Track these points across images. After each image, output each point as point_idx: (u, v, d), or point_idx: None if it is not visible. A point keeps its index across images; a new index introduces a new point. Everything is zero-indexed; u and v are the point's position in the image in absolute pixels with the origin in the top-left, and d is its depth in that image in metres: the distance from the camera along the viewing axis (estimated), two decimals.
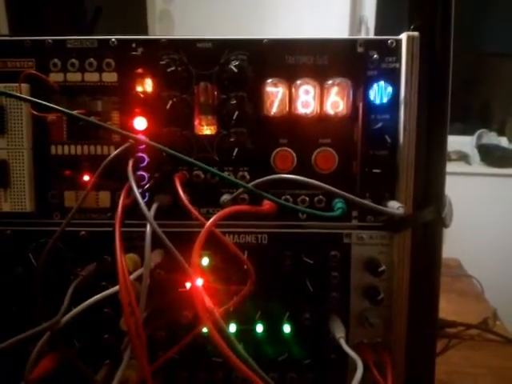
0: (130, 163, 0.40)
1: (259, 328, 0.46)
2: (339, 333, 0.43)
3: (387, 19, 1.98)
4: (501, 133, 2.41)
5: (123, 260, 0.35)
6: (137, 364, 0.44)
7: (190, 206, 0.38)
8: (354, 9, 2.05)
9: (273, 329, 0.46)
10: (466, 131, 2.37)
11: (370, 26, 2.01)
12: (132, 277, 0.39)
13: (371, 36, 0.38)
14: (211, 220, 0.37)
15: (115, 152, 0.41)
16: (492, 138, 2.39)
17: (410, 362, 0.46)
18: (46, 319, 0.38)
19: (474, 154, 2.28)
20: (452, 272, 1.18)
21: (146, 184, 0.44)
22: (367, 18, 2.03)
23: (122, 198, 0.39)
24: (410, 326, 0.45)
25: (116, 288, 0.37)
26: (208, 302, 0.33)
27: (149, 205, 0.41)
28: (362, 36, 0.43)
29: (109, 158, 0.40)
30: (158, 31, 1.99)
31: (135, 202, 0.38)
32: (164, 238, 0.34)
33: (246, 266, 0.39)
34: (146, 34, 1.97)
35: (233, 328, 0.47)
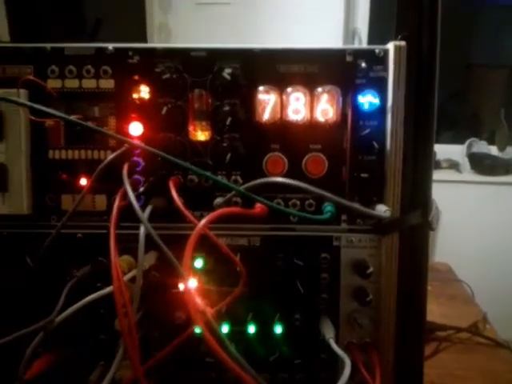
0: (125, 167, 0.41)
1: (251, 329, 0.47)
2: (329, 333, 0.44)
3: (380, 31, 2.01)
4: (491, 141, 2.45)
5: (117, 261, 0.36)
6: (130, 364, 0.45)
7: (182, 208, 0.40)
8: (347, 21, 2.09)
9: (264, 329, 0.47)
10: (457, 140, 2.41)
11: (363, 38, 2.05)
12: (126, 278, 0.40)
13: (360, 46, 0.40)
14: (203, 221, 0.38)
15: (111, 156, 0.42)
16: (482, 146, 2.42)
17: (398, 361, 0.47)
18: (41, 319, 0.39)
19: (465, 163, 2.31)
20: (442, 276, 1.19)
21: (140, 188, 0.45)
22: (360, 31, 2.07)
23: (117, 200, 0.40)
24: (398, 327, 0.47)
25: (110, 288, 0.37)
26: (200, 302, 0.34)
27: (143, 208, 0.42)
28: (351, 46, 0.44)
29: (105, 162, 0.41)
30: (156, 43, 2.02)
31: (130, 204, 0.40)
32: (157, 238, 0.36)
33: (238, 268, 0.40)
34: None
35: (225, 329, 0.48)
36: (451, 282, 1.18)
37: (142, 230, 0.38)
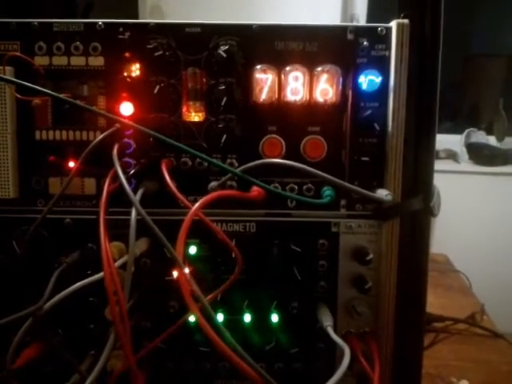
0: (115, 148, 0.39)
1: (247, 317, 0.46)
2: (327, 321, 0.43)
3: (379, 17, 1.99)
4: (489, 132, 2.44)
5: (107, 247, 0.34)
6: (122, 354, 0.43)
7: (175, 191, 0.38)
8: (345, 7, 2.06)
9: (260, 318, 0.46)
10: (455, 130, 2.40)
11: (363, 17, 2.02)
12: (117, 264, 0.38)
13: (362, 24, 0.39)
14: (197, 204, 0.36)
15: (100, 136, 0.40)
16: (480, 136, 2.41)
17: (397, 351, 0.46)
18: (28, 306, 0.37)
19: (463, 153, 2.30)
20: (440, 267, 1.19)
21: (131, 170, 0.43)
22: (358, 16, 2.04)
23: (106, 184, 0.38)
24: (397, 315, 0.45)
25: (101, 275, 0.36)
26: (196, 288, 0.33)
27: (135, 191, 0.40)
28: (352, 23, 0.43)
29: (93, 142, 0.40)
30: None
31: (120, 188, 0.38)
32: (149, 221, 0.34)
33: (233, 253, 0.39)
34: None
35: (220, 318, 0.46)
36: (449, 273, 1.17)
37: (133, 213, 0.36)
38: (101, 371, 0.33)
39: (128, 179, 0.41)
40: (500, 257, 2.00)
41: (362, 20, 2.01)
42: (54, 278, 0.37)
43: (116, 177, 0.39)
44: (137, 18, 1.96)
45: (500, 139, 2.29)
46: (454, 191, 1.90)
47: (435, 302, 0.98)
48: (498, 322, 0.96)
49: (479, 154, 2.31)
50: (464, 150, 2.32)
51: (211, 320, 0.31)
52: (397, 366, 0.46)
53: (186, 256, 0.45)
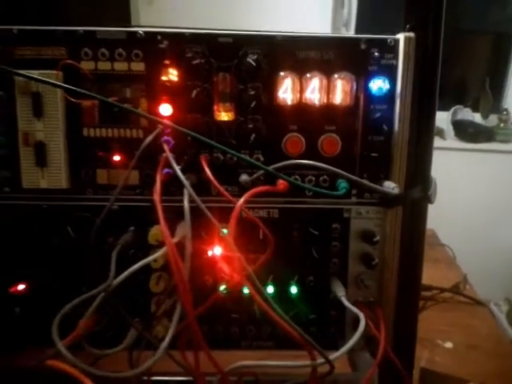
0: (166, 147, 0.46)
1: (270, 289, 0.53)
2: (340, 292, 0.51)
3: (368, 17, 2.03)
4: (475, 109, 2.50)
5: (166, 227, 0.40)
6: (165, 322, 0.51)
7: (219, 187, 0.44)
8: (335, 8, 2.09)
9: (282, 290, 0.53)
10: (442, 107, 2.46)
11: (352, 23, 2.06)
12: (174, 240, 0.44)
13: (371, 35, 0.42)
14: (241, 200, 0.43)
15: (150, 136, 0.46)
16: (466, 114, 2.48)
17: (397, 316, 0.54)
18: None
19: (449, 130, 2.37)
20: (427, 241, 1.27)
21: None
22: (347, 17, 2.08)
23: (158, 175, 0.44)
24: (398, 287, 0.53)
25: (164, 250, 0.42)
26: (248, 267, 0.39)
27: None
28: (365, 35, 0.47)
29: (145, 142, 0.46)
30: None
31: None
32: (201, 204, 0.41)
33: (267, 236, 0.45)
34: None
35: (247, 289, 0.53)
36: (435, 246, 1.26)
37: (186, 199, 0.42)
38: (172, 337, 0.39)
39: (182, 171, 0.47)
40: (482, 230, 2.12)
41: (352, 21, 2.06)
42: (114, 259, 0.44)
43: (163, 169, 0.45)
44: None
45: (485, 116, 2.37)
46: (440, 167, 1.99)
47: (424, 274, 1.07)
48: (480, 291, 1.06)
49: (465, 131, 2.38)
50: (450, 127, 2.39)
51: (261, 293, 0.38)
52: (397, 329, 0.54)
53: (219, 237, 0.52)
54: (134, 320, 0.52)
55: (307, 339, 0.39)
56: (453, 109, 2.44)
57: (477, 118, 2.46)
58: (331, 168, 0.46)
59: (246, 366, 0.40)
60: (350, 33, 2.01)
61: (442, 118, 2.35)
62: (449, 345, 0.85)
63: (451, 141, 2.33)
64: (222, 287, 0.53)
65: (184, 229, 0.48)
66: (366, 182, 0.47)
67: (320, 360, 0.40)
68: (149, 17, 2.02)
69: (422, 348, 0.59)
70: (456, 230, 1.57)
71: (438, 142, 2.25)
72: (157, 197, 0.42)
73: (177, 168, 0.43)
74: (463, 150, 2.28)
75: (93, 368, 0.35)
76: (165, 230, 0.40)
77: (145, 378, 0.46)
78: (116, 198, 0.51)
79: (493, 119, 2.35)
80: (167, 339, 0.38)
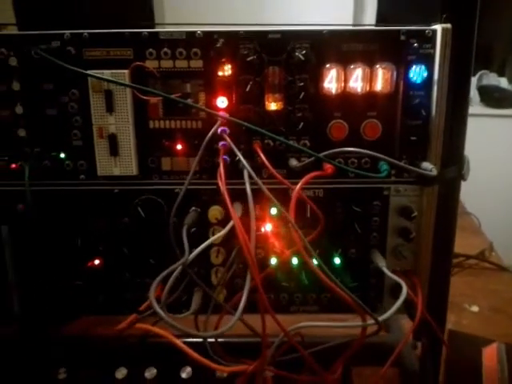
0: (227, 137, 0.51)
1: (315, 261, 0.59)
2: (381, 262, 0.57)
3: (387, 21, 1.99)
4: (501, 73, 2.46)
5: (232, 207, 0.47)
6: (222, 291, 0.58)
7: (274, 172, 0.50)
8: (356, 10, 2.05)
9: (326, 261, 0.60)
10: None
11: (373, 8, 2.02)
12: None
13: (411, 27, 0.44)
14: (299, 185, 0.49)
15: (213, 129, 0.52)
16: (492, 78, 2.44)
17: (431, 284, 0.60)
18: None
19: (475, 95, 2.35)
20: None
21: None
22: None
23: (221, 161, 0.51)
24: (433, 258, 0.59)
25: (231, 224, 0.49)
26: (307, 242, 0.46)
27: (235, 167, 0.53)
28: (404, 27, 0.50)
29: (210, 133, 0.51)
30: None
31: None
32: (263, 187, 0.47)
33: (317, 214, 0.51)
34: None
35: (295, 261, 0.60)
36: (462, 215, 1.30)
37: (246, 178, 0.49)
38: (245, 304, 0.46)
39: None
40: (508, 197, 2.13)
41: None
42: (186, 236, 0.50)
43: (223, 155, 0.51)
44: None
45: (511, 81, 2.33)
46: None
47: None
48: (505, 258, 1.11)
49: (490, 97, 2.36)
50: (476, 92, 2.36)
51: (319, 265, 0.45)
52: (431, 295, 0.60)
53: (268, 216, 0.59)
54: (199, 288, 0.59)
55: (359, 302, 0.45)
56: (478, 74, 2.41)
57: (503, 82, 2.42)
58: (376, 154, 0.51)
59: (307, 326, 0.47)
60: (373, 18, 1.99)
61: None
62: (475, 309, 0.91)
63: (477, 107, 2.31)
64: (273, 260, 0.60)
65: (239, 208, 0.55)
66: (406, 165, 0.52)
67: (370, 321, 0.46)
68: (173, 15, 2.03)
69: (449, 312, 0.65)
70: (482, 198, 1.60)
71: None
72: (222, 179, 0.48)
73: (239, 154, 0.49)
74: (489, 116, 2.26)
75: (187, 328, 0.41)
76: (232, 210, 0.46)
77: (212, 339, 0.53)
78: (179, 183, 0.58)
79: None
80: (242, 305, 0.44)
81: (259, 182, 0.48)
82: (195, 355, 0.41)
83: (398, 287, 0.55)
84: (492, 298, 0.94)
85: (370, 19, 2.00)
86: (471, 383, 0.69)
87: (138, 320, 0.51)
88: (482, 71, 2.43)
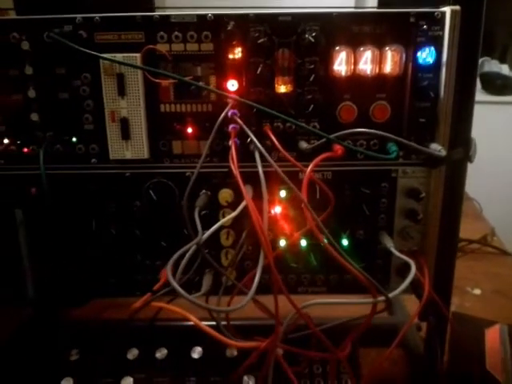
0: (239, 120, 0.52)
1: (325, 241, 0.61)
2: (389, 243, 0.58)
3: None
4: (502, 60, 2.45)
5: (245, 190, 0.47)
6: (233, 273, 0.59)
7: (287, 155, 0.51)
8: None
9: (336, 242, 0.60)
10: None
11: None
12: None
13: (420, 9, 0.45)
14: (310, 167, 0.49)
15: (224, 112, 0.52)
16: (494, 65, 2.44)
17: (437, 263, 0.61)
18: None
19: (476, 82, 2.34)
20: None
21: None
22: None
23: (233, 144, 0.52)
24: (439, 238, 0.60)
25: (242, 206, 0.50)
26: (320, 222, 0.47)
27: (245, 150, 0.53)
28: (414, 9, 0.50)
29: (222, 114, 0.52)
30: None
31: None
32: (278, 169, 0.47)
33: (328, 196, 0.52)
34: None
35: (304, 242, 0.61)
36: (463, 200, 1.31)
37: (258, 160, 0.50)
38: (257, 285, 0.47)
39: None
40: (509, 183, 2.14)
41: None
42: (198, 217, 0.51)
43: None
44: None
45: None
46: None
47: None
48: (506, 243, 1.12)
49: (492, 83, 2.35)
50: (477, 79, 2.36)
51: (333, 244, 0.46)
52: (437, 275, 0.61)
53: (278, 198, 0.59)
54: (209, 270, 0.60)
55: (370, 279, 0.46)
56: (480, 61, 2.39)
57: (504, 69, 2.42)
58: (386, 134, 0.52)
59: (319, 303, 0.48)
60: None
61: None
62: (477, 291, 0.92)
63: (478, 93, 2.30)
64: (282, 242, 0.61)
65: (249, 191, 0.56)
66: (416, 145, 0.53)
67: (380, 298, 0.48)
68: None
69: (452, 295, 0.67)
70: (483, 184, 1.60)
71: None
72: (234, 161, 0.49)
73: (252, 135, 0.50)
74: (490, 103, 2.26)
75: (203, 302, 0.43)
76: (244, 191, 0.47)
77: (224, 322, 0.54)
78: (189, 166, 0.58)
79: None
80: (254, 285, 0.45)
81: (272, 162, 0.49)
82: (209, 330, 0.42)
83: (405, 268, 0.56)
84: (494, 281, 0.96)
85: (371, 3, 1.99)
86: (474, 364, 0.70)
87: (153, 299, 0.52)
88: (484, 58, 2.43)
